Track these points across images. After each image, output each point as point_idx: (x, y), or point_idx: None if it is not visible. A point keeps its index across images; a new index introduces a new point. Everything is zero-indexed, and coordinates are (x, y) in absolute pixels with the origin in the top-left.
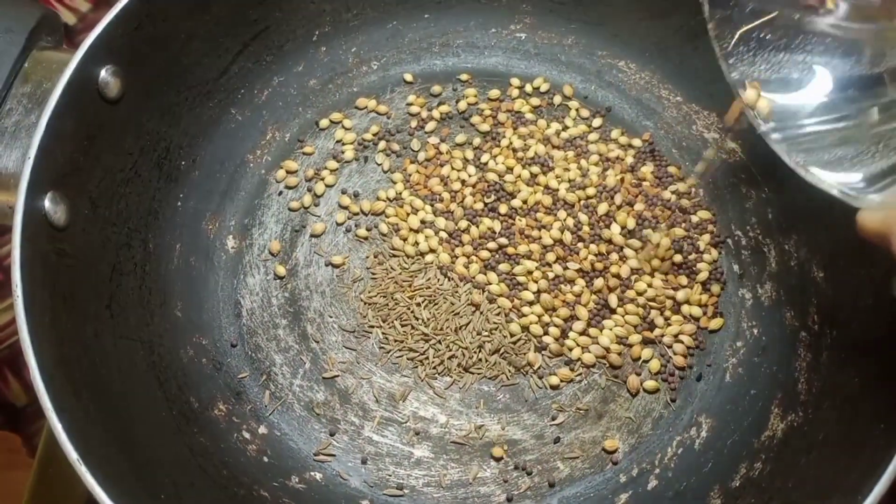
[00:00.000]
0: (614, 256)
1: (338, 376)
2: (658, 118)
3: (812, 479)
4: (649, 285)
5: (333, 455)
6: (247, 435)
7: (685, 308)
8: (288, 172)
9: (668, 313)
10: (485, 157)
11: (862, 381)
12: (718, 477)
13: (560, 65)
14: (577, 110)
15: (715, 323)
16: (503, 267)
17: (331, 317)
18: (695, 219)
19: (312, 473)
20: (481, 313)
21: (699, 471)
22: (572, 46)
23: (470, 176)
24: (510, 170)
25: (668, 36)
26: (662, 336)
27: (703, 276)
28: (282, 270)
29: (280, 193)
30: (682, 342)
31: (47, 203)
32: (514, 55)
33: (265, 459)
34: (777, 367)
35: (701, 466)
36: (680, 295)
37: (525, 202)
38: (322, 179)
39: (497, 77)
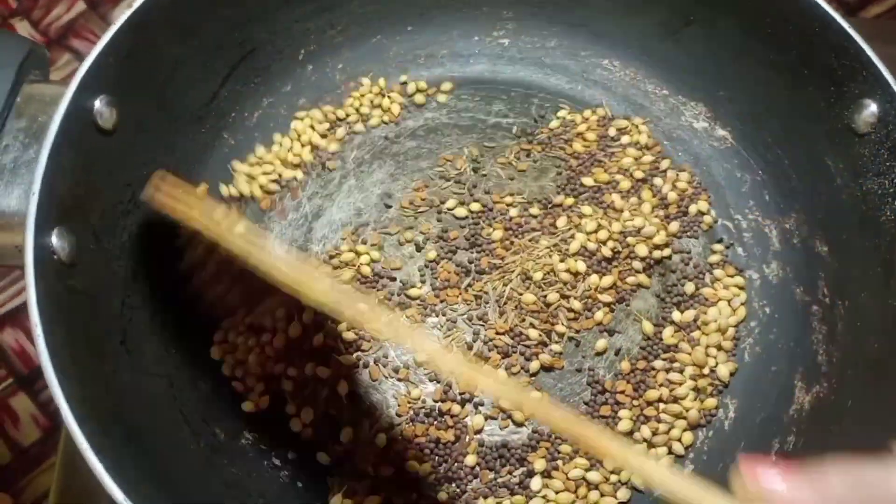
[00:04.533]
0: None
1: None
2: (647, 112)
3: (847, 446)
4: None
5: None
6: (277, 461)
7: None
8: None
9: None
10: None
11: (882, 346)
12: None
13: (545, 67)
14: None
15: (739, 314)
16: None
17: None
18: (693, 208)
19: None
20: None
21: (732, 452)
22: (556, 49)
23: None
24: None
25: (649, 32)
26: None
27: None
28: None
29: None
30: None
31: (54, 240)
32: (499, 61)
33: (299, 484)
34: (794, 343)
35: (733, 447)
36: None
37: None
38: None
39: (485, 84)
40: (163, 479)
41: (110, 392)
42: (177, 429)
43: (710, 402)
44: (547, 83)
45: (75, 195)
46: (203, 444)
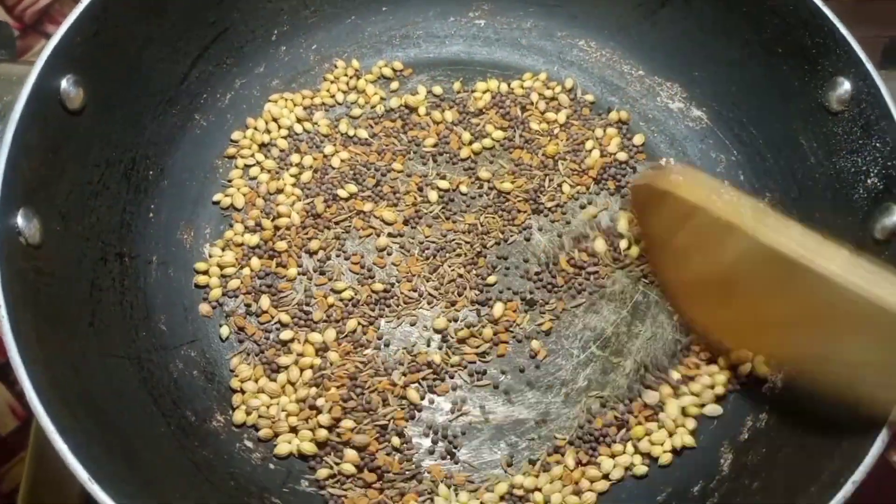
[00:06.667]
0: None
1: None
2: (622, 93)
3: (822, 419)
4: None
5: None
6: (249, 443)
7: None
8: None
9: None
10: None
11: None
12: (726, 432)
13: (521, 49)
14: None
15: None
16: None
17: None
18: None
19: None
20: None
21: (706, 429)
22: (531, 30)
23: None
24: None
25: (625, 13)
26: None
27: None
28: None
29: None
30: None
31: (20, 220)
32: (475, 42)
33: (271, 466)
34: None
35: (707, 425)
36: None
37: None
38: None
39: (460, 65)
40: (132, 461)
41: (78, 374)
42: (146, 411)
43: None
44: (523, 64)
45: (42, 175)
46: (173, 426)
